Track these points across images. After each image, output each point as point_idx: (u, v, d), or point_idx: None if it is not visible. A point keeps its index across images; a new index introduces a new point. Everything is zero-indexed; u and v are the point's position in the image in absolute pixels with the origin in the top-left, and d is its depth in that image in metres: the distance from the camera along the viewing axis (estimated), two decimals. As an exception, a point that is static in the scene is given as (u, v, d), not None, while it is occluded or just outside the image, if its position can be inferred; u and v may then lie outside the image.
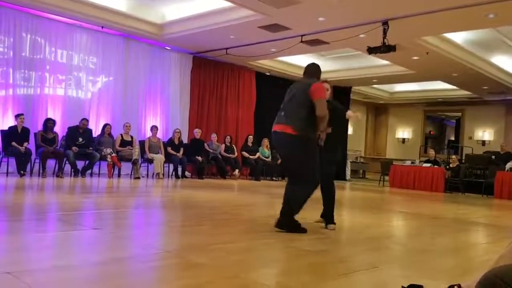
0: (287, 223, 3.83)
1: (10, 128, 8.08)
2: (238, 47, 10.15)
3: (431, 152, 12.25)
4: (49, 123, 8.38)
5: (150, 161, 9.65)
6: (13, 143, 7.86)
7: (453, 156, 12.54)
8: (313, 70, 4.34)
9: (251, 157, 11.49)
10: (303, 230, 3.87)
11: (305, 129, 3.87)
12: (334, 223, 4.27)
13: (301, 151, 3.88)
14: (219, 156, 11.00)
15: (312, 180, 3.95)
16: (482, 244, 4.42)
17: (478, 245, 4.38)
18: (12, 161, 8.01)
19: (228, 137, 11.45)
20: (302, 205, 3.93)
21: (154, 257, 2.79)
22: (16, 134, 7.99)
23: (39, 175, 8.04)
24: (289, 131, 3.88)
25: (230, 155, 11.24)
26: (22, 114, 8.16)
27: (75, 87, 9.41)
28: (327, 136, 4.15)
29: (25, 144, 7.95)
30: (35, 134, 8.38)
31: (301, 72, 14.77)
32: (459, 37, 9.70)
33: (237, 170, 11.11)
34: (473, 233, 5.05)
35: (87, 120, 8.93)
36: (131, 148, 9.42)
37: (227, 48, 10.27)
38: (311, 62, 4.49)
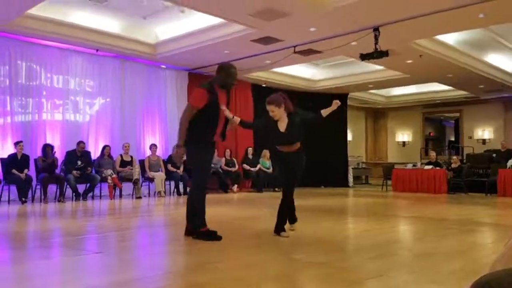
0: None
1: (10, 156, 8.08)
2: (233, 61, 10.17)
3: (432, 154, 12.23)
4: (47, 149, 8.39)
5: (151, 179, 9.64)
6: (13, 171, 7.86)
7: (454, 157, 12.52)
8: (219, 70, 4.28)
9: (252, 169, 11.48)
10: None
11: (188, 140, 4.00)
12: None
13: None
14: (220, 170, 10.99)
15: (195, 183, 4.15)
16: (488, 244, 4.39)
17: (484, 245, 4.36)
18: (13, 188, 8.01)
19: (228, 150, 11.45)
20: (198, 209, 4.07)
21: (158, 279, 2.77)
22: (16, 162, 7.99)
23: (40, 201, 8.02)
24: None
25: (231, 169, 11.23)
26: (21, 142, 8.17)
27: (73, 111, 9.44)
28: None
29: (25, 171, 7.95)
30: (35, 160, 8.39)
31: (297, 82, 14.80)
32: (451, 38, 9.75)
33: (235, 186, 11.06)
34: (478, 234, 5.03)
35: (84, 143, 8.93)
36: (131, 168, 9.42)
37: (222, 63, 10.31)
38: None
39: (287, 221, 4.47)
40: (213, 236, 3.94)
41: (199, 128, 3.98)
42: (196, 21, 8.65)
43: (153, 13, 8.69)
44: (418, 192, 11.14)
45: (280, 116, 4.24)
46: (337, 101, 4.46)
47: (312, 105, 5.07)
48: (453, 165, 11.50)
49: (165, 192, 9.61)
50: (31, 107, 8.80)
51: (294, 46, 9.08)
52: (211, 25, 8.51)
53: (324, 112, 4.39)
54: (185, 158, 4.15)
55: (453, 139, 17.45)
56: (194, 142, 4.00)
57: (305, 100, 13.74)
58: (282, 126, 4.25)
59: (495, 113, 15.32)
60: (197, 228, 3.99)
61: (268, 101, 4.24)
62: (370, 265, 3.20)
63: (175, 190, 10.01)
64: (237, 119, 4.23)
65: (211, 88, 4.05)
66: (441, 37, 9.45)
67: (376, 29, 7.85)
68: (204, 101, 3.96)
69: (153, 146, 9.98)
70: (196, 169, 4.19)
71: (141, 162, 9.81)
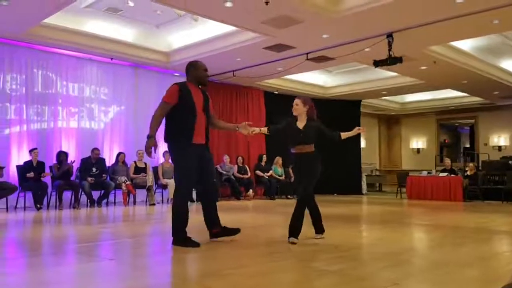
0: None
1: (26, 163, 8.20)
2: (244, 69, 10.25)
3: (447, 161, 12.09)
4: (61, 156, 8.49)
5: (164, 186, 9.69)
6: (30, 174, 7.95)
7: (470, 164, 12.34)
8: (186, 69, 4.33)
9: (265, 175, 11.47)
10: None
11: (167, 138, 4.11)
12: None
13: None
14: (233, 177, 11.00)
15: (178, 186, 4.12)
16: (505, 253, 4.31)
17: (501, 254, 4.28)
18: (29, 195, 8.11)
19: (240, 158, 11.47)
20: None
21: (172, 286, 2.77)
22: (32, 168, 8.10)
23: (56, 208, 8.11)
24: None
25: (244, 176, 11.23)
26: (36, 148, 8.29)
27: (88, 119, 9.57)
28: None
29: (43, 174, 8.06)
30: (50, 167, 8.49)
31: (310, 89, 14.81)
32: (466, 44, 9.66)
33: (250, 190, 11.10)
34: (495, 242, 4.94)
35: (98, 150, 9.03)
36: (145, 175, 9.48)
37: (234, 71, 10.37)
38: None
39: (314, 230, 4.50)
40: (189, 243, 3.96)
41: (175, 126, 4.06)
42: (209, 29, 8.71)
43: (167, 22, 8.78)
44: (433, 199, 11.00)
45: (300, 113, 4.41)
46: (360, 128, 4.61)
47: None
48: (468, 172, 11.34)
49: (178, 199, 9.62)
50: (46, 115, 8.94)
51: (307, 53, 9.08)
52: (224, 33, 8.57)
53: (344, 135, 4.56)
54: (153, 151, 4.09)
55: (468, 146, 17.23)
56: (171, 140, 4.10)
57: (317, 107, 13.76)
58: (301, 124, 4.40)
59: (511, 119, 15.10)
60: (173, 235, 4.03)
61: (298, 96, 4.53)
62: (386, 273, 3.16)
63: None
64: (265, 129, 4.52)
65: (184, 86, 4.13)
66: (456, 43, 9.38)
67: (389, 35, 7.82)
68: (175, 97, 4.04)
69: (166, 153, 10.02)
70: (175, 170, 4.20)
71: (155, 169, 9.87)
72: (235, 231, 4.22)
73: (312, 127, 4.38)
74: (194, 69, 4.22)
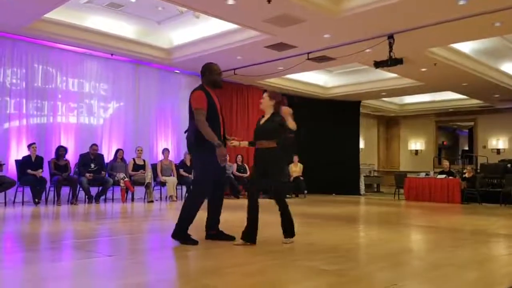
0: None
1: (24, 157, 8.18)
2: (245, 67, 10.24)
3: (445, 163, 12.10)
4: (60, 151, 8.48)
5: (163, 184, 9.69)
6: (28, 170, 7.95)
7: (468, 166, 12.36)
8: (202, 72, 4.28)
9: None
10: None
11: (193, 143, 4.04)
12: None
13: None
14: (232, 176, 11.00)
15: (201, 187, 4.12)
16: (503, 256, 4.31)
17: (499, 257, 4.28)
18: (28, 190, 8.10)
19: (240, 156, 11.46)
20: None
21: (169, 283, 2.77)
22: (31, 163, 8.09)
23: (54, 203, 8.10)
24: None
25: (243, 174, 11.23)
26: (34, 143, 8.27)
27: (87, 114, 9.55)
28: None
29: (40, 171, 8.04)
30: (48, 162, 8.48)
31: (310, 89, 14.76)
32: (466, 46, 9.67)
33: (250, 190, 11.10)
34: (493, 245, 4.94)
35: (97, 145, 9.03)
36: (144, 172, 9.48)
37: (235, 69, 10.36)
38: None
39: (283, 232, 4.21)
40: (189, 240, 4.00)
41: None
42: (211, 26, 8.70)
43: (168, 18, 8.77)
44: (431, 201, 11.01)
45: (265, 107, 4.25)
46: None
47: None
48: (466, 175, 11.35)
49: (176, 197, 9.64)
50: (46, 110, 8.92)
51: (308, 53, 9.08)
52: (225, 30, 8.56)
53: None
54: (227, 157, 4.09)
55: (467, 148, 17.26)
56: (202, 143, 4.01)
57: (317, 107, 13.77)
58: (263, 120, 4.27)
59: (510, 122, 15.12)
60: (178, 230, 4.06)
61: (266, 89, 4.40)
62: (383, 274, 3.16)
63: (186, 195, 10.02)
64: (245, 143, 4.40)
65: (205, 90, 4.13)
66: (456, 46, 9.38)
67: (390, 37, 7.83)
68: (205, 102, 4.03)
69: (165, 151, 10.03)
70: (201, 171, 4.15)
71: (154, 166, 9.86)
72: (230, 237, 4.21)
73: (273, 123, 4.15)
74: (209, 73, 4.21)
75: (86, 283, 2.80)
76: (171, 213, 7.71)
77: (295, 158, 12.21)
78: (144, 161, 9.70)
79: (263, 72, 10.52)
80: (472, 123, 16.35)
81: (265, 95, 4.29)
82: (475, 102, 14.45)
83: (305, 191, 11.76)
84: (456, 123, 17.48)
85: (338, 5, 7.01)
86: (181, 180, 9.92)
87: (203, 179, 4.10)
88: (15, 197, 8.05)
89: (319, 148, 13.44)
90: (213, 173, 4.09)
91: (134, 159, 9.57)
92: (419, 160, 17.02)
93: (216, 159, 3.95)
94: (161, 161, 9.96)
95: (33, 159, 8.14)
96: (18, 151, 8.46)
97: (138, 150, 9.62)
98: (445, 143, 17.74)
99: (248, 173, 11.42)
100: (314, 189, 12.65)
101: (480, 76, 10.64)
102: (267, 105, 4.23)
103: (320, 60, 9.52)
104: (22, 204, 7.92)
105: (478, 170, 12.69)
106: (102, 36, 8.75)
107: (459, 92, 13.05)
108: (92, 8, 8.23)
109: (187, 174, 9.90)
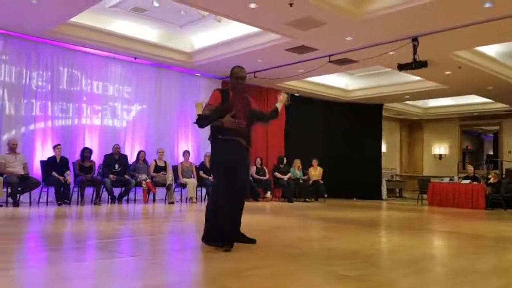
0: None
1: (49, 158, 8.37)
2: (266, 70, 10.25)
3: (470, 168, 11.86)
4: (85, 152, 8.65)
5: (183, 185, 9.76)
6: (53, 173, 8.12)
7: (495, 172, 12.09)
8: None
9: (283, 177, 11.43)
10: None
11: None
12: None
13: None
14: (251, 178, 11.00)
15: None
16: (530, 264, 4.19)
17: (525, 265, 4.16)
18: (52, 190, 8.27)
19: (259, 159, 11.46)
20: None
21: (191, 284, 2.78)
22: (55, 164, 8.27)
23: (77, 203, 8.25)
24: None
25: (262, 177, 11.23)
26: (59, 144, 8.45)
27: (111, 117, 9.71)
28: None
29: (68, 172, 8.21)
30: (73, 163, 8.64)
31: (331, 91, 14.67)
32: (492, 49, 9.48)
33: (269, 192, 11.10)
34: (519, 252, 4.81)
35: (119, 146, 9.16)
36: (165, 173, 9.58)
37: (255, 72, 10.38)
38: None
39: None
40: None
41: (219, 129, 4.07)
42: (232, 30, 8.75)
43: (190, 22, 8.85)
44: (455, 207, 10.80)
45: None
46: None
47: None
48: (491, 180, 11.10)
49: (196, 199, 9.70)
50: (71, 112, 9.10)
51: (329, 56, 9.04)
52: (246, 34, 8.60)
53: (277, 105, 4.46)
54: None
55: (491, 153, 16.89)
56: (211, 142, 4.16)
57: (338, 109, 13.68)
58: None
59: (537, 127, 14.75)
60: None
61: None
62: (406, 280, 3.11)
63: (206, 196, 10.08)
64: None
65: (225, 91, 4.21)
66: (482, 48, 9.21)
67: (415, 39, 7.72)
68: (217, 100, 4.09)
69: (186, 153, 10.12)
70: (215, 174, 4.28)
71: (174, 168, 9.95)
72: (251, 240, 4.21)
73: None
74: (230, 76, 4.29)
75: (109, 283, 2.83)
76: (192, 214, 7.77)
77: (315, 162, 12.14)
78: (165, 162, 9.80)
79: (283, 75, 10.51)
80: (497, 128, 15.99)
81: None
82: (500, 106, 14.13)
83: (325, 195, 11.67)
84: (480, 127, 17.13)
85: (360, 7, 6.95)
86: (201, 182, 9.98)
87: (215, 178, 4.23)
88: (39, 197, 8.23)
89: (340, 152, 13.34)
90: (224, 172, 4.03)
91: (155, 161, 9.68)
92: (443, 165, 16.73)
93: (225, 156, 3.99)
94: (181, 163, 10.04)
95: (58, 160, 8.31)
96: (43, 152, 8.65)
97: (160, 152, 9.73)
98: (469, 147, 17.39)
99: (267, 175, 11.41)
100: (334, 193, 12.56)
101: (506, 80, 10.41)
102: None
103: (342, 62, 9.45)
104: (47, 204, 8.09)
105: (503, 176, 12.40)
106: (126, 40, 8.89)
107: (484, 95, 12.78)
108: (116, 13, 8.37)
109: (207, 176, 9.96)
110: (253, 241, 4.20)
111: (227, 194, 4.00)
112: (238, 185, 4.06)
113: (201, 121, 4.05)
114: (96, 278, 3.00)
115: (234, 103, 4.13)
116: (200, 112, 4.02)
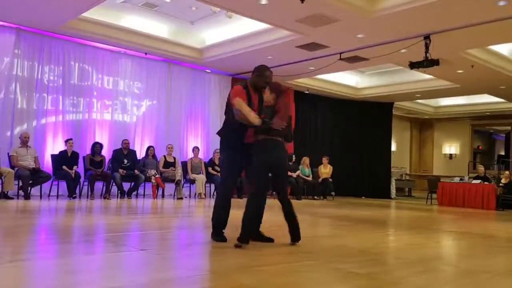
0: None
1: (61, 152, 8.43)
2: (276, 67, 10.20)
3: (481, 168, 11.75)
4: (96, 147, 8.71)
5: (192, 181, 9.79)
6: (64, 167, 8.19)
7: (505, 172, 11.96)
8: (252, 71, 4.20)
9: (292, 175, 11.41)
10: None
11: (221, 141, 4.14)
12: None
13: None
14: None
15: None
16: (541, 266, 4.14)
17: (537, 266, 4.11)
18: (63, 184, 8.34)
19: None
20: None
21: (200, 278, 2.79)
22: (66, 158, 8.33)
23: (87, 197, 8.31)
24: None
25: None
26: (71, 139, 8.52)
27: (121, 112, 9.75)
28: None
29: (75, 167, 8.27)
30: (83, 157, 8.70)
31: (341, 89, 14.60)
32: (505, 48, 9.36)
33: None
34: (531, 254, 4.76)
35: (128, 141, 9.20)
36: (174, 169, 9.61)
37: (265, 69, 10.33)
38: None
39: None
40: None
41: (235, 131, 4.04)
42: (242, 26, 8.73)
43: (201, 18, 8.85)
44: (465, 207, 10.72)
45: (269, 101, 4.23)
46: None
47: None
48: (503, 181, 10.99)
49: (205, 194, 9.73)
50: (82, 107, 9.16)
51: (340, 53, 8.99)
52: (257, 30, 8.58)
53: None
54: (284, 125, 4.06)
55: (503, 153, 16.71)
56: (223, 144, 4.17)
57: (348, 108, 13.61)
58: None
59: (550, 127, 14.55)
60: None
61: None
62: (414, 279, 3.09)
63: (215, 192, 10.10)
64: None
65: (246, 87, 4.09)
66: (495, 47, 9.09)
67: (427, 37, 7.65)
68: (244, 95, 3.98)
69: (195, 149, 10.13)
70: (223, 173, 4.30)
71: (184, 164, 9.98)
72: (269, 239, 4.18)
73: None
74: (257, 76, 4.11)
75: (118, 276, 2.85)
76: (200, 210, 7.79)
77: (325, 160, 12.10)
78: (174, 158, 9.83)
79: (293, 72, 10.48)
80: (509, 128, 15.82)
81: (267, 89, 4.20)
82: (513, 105, 13.98)
83: (333, 193, 11.63)
84: (492, 127, 16.95)
85: (372, 5, 6.90)
86: (209, 178, 10.00)
87: (224, 177, 4.23)
88: (50, 191, 8.31)
89: (349, 150, 13.28)
90: (235, 173, 4.16)
91: (165, 156, 9.71)
92: (453, 165, 16.59)
93: (238, 158, 4.03)
94: (191, 159, 10.07)
95: (69, 154, 8.38)
96: (54, 146, 8.71)
97: (169, 148, 9.76)
98: (480, 147, 17.24)
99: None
100: (343, 191, 12.52)
101: (519, 79, 10.29)
102: (269, 99, 4.16)
103: (353, 60, 9.40)
104: (57, 198, 8.16)
105: (515, 176, 12.25)
106: (137, 35, 8.91)
107: (496, 95, 12.64)
108: (128, 8, 8.39)
109: (215, 173, 9.97)
110: (271, 240, 4.16)
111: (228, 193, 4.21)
112: (261, 185, 4.07)
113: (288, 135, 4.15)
114: (105, 271, 3.02)
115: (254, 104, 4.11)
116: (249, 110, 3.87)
